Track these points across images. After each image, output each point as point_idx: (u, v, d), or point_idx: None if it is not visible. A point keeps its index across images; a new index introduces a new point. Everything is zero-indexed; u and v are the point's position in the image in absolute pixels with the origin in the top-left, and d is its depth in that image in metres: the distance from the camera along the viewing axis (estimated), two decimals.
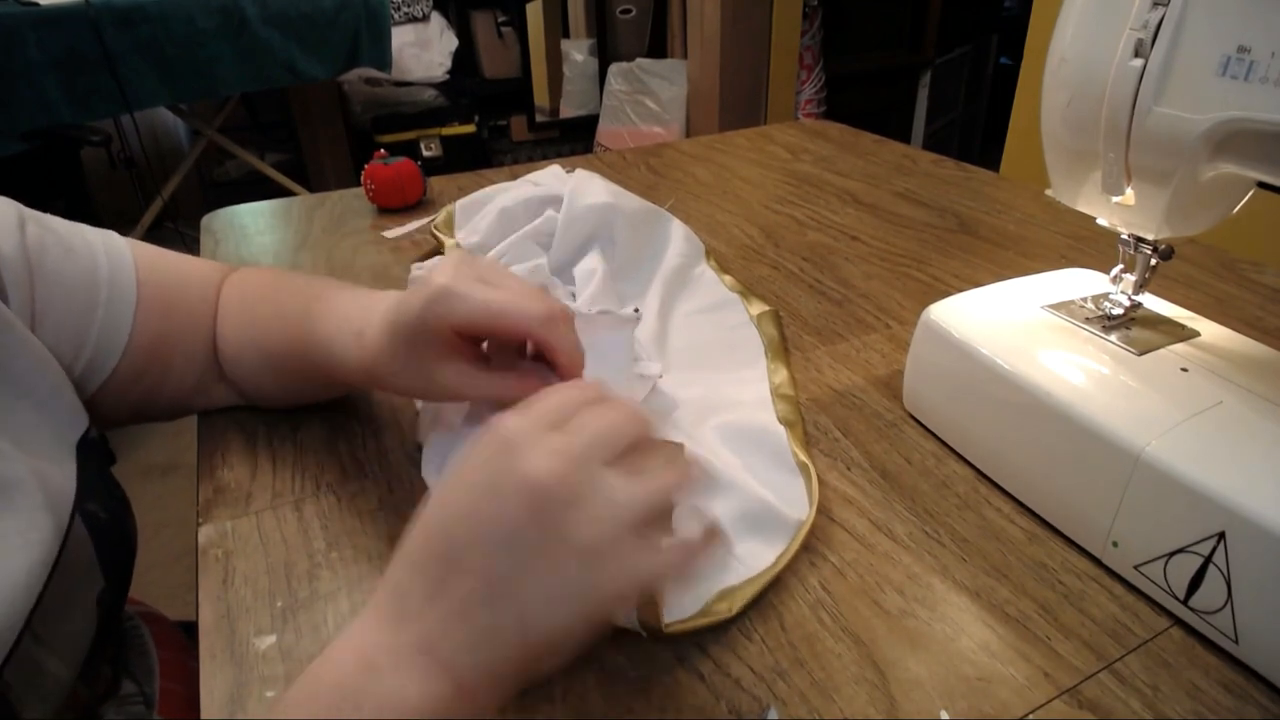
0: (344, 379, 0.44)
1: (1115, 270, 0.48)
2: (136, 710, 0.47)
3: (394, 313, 0.38)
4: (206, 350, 0.50)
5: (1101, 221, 0.46)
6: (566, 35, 2.93)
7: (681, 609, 0.37)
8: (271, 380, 0.50)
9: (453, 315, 0.35)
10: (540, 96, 2.99)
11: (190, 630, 0.54)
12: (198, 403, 0.53)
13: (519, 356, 0.39)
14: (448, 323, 0.36)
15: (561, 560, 0.27)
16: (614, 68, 2.78)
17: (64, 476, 0.40)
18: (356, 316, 0.42)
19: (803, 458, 0.46)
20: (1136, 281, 0.47)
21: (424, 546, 0.29)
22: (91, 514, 0.41)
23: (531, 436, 0.28)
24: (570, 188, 0.68)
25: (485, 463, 0.29)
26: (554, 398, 0.31)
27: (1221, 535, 0.34)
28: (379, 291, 0.44)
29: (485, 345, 0.39)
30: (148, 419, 0.52)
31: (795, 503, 0.43)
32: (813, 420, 0.52)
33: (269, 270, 0.52)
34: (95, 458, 0.43)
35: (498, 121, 3.05)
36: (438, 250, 0.71)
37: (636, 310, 0.48)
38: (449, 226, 0.73)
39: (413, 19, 2.80)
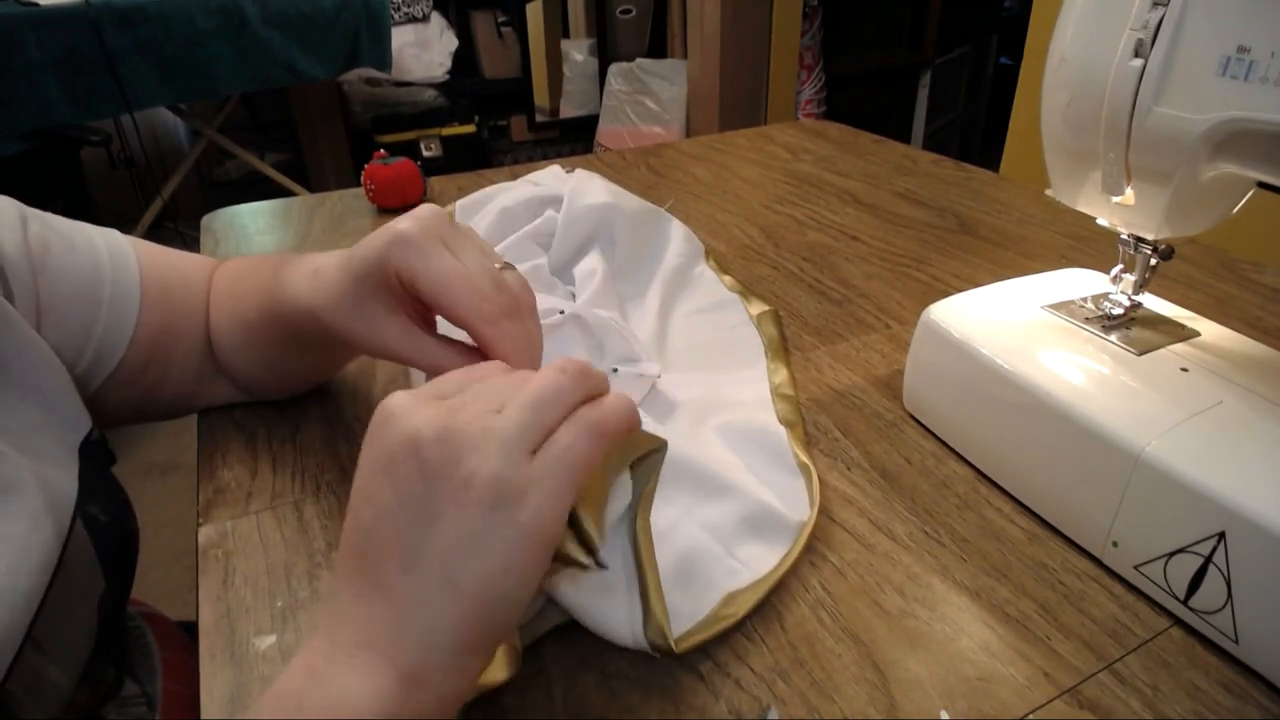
0: (298, 324, 0.42)
1: (1115, 270, 0.48)
2: (139, 711, 0.46)
3: (353, 250, 0.37)
4: (205, 343, 0.51)
5: (1101, 221, 0.46)
6: (566, 35, 2.93)
7: (687, 615, 0.36)
8: (257, 358, 0.49)
9: (404, 268, 0.34)
10: (540, 96, 2.99)
11: (191, 630, 0.54)
12: (199, 399, 0.52)
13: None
14: (399, 273, 0.35)
15: (465, 504, 0.26)
16: (614, 68, 2.78)
17: (66, 479, 0.40)
18: (317, 259, 0.41)
19: (803, 458, 0.46)
20: (1136, 281, 0.47)
21: (343, 547, 0.28)
22: (92, 517, 0.41)
23: (410, 404, 0.28)
24: (570, 188, 0.68)
25: (370, 441, 0.28)
26: (455, 374, 0.30)
27: (1221, 535, 0.34)
28: None
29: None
30: (150, 417, 0.52)
31: (796, 504, 0.43)
32: (813, 420, 0.52)
33: (249, 259, 0.53)
34: (96, 459, 0.43)
35: (498, 122, 3.05)
36: None
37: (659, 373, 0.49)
38: None
39: (413, 19, 2.80)
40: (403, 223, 0.35)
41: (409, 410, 0.27)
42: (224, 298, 0.50)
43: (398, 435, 0.27)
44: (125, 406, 0.49)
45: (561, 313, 0.49)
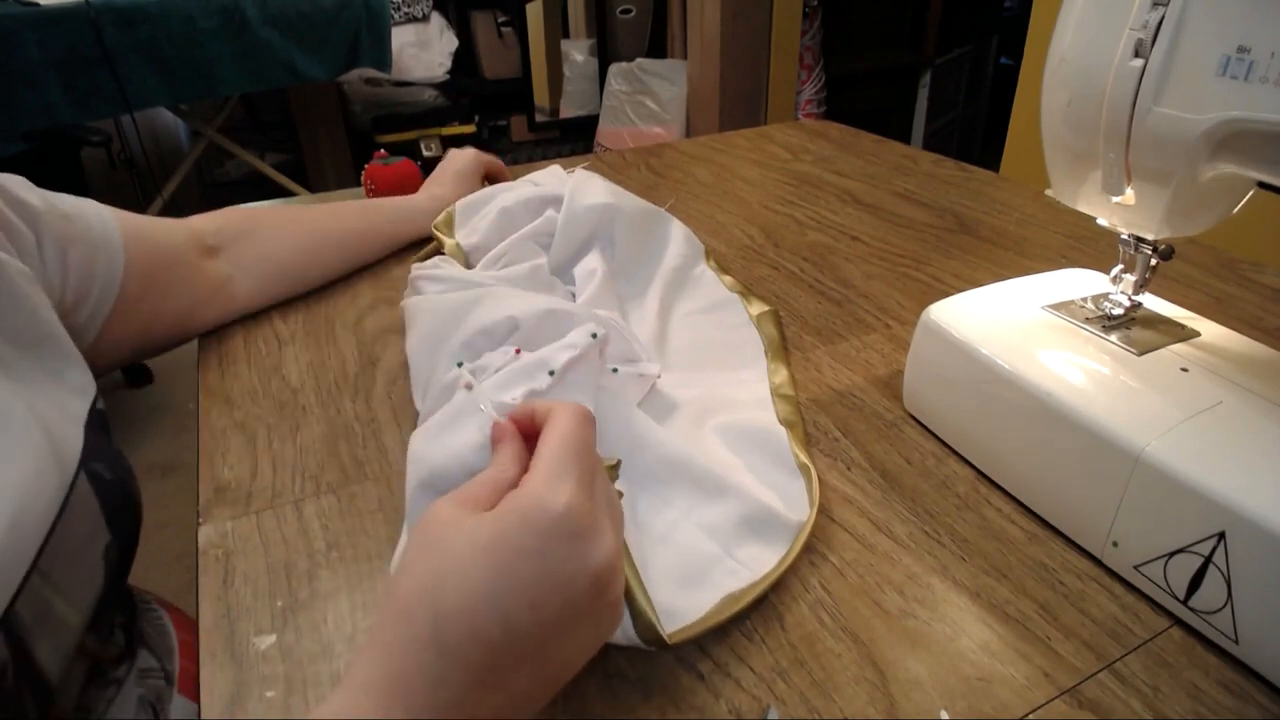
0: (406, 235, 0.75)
1: (1115, 270, 0.48)
2: (158, 684, 0.48)
3: (450, 179, 0.61)
4: (197, 263, 0.60)
5: (1101, 221, 0.46)
6: (566, 35, 2.93)
7: (686, 615, 0.36)
8: (297, 272, 0.67)
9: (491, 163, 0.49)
10: (540, 97, 2.99)
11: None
12: (195, 320, 0.61)
13: None
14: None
15: (598, 615, 0.29)
16: (614, 68, 2.78)
17: (73, 436, 0.43)
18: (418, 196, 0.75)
19: (803, 459, 0.46)
20: (1136, 281, 0.47)
21: (461, 630, 0.26)
22: (97, 473, 0.43)
23: (597, 527, 0.29)
24: (570, 188, 0.68)
25: (546, 550, 0.27)
26: (566, 454, 0.30)
27: (1221, 535, 0.34)
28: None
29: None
30: (153, 347, 0.59)
31: (796, 504, 0.43)
32: (813, 420, 0.52)
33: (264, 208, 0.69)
34: (101, 430, 0.46)
35: (498, 122, 3.05)
36: (438, 250, 0.71)
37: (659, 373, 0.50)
38: (449, 226, 0.73)
39: (413, 19, 2.80)
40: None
41: (603, 542, 0.28)
42: (278, 222, 0.66)
43: (589, 565, 0.28)
44: (128, 340, 0.56)
45: (616, 369, 0.49)
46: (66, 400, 0.44)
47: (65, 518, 0.39)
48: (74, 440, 0.43)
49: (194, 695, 0.49)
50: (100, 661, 0.44)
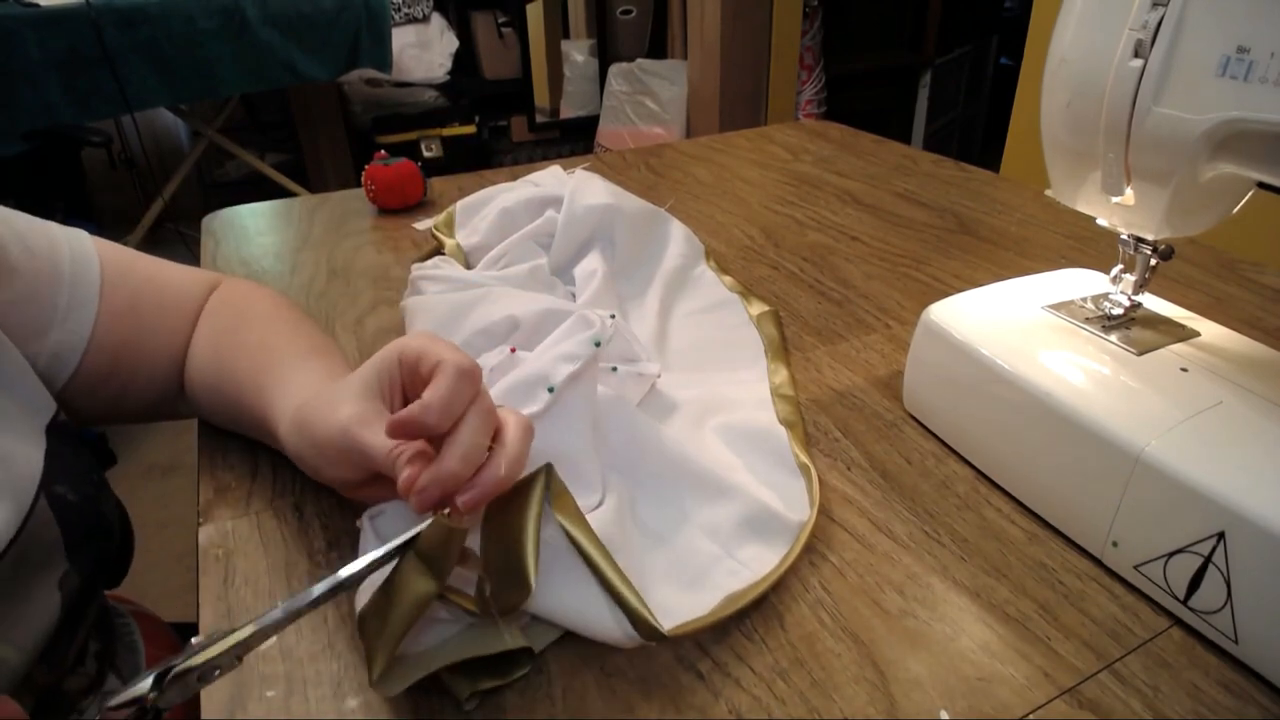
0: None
1: (1115, 270, 0.48)
2: None
3: (342, 418, 0.36)
4: (175, 362, 0.50)
5: (1101, 221, 0.46)
6: (567, 36, 2.93)
7: (687, 615, 0.36)
8: (229, 422, 0.50)
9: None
10: (540, 97, 2.99)
11: (191, 631, 0.55)
12: (165, 411, 0.52)
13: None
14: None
15: None
16: (614, 68, 2.78)
17: (29, 457, 0.40)
18: (307, 407, 0.39)
19: (803, 459, 0.46)
20: (1136, 281, 0.47)
21: None
22: (59, 496, 0.41)
23: None
24: (570, 188, 0.68)
25: None
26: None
27: (1221, 535, 0.34)
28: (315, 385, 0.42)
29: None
30: (121, 420, 0.52)
31: (796, 504, 0.43)
32: (813, 420, 0.52)
33: (245, 299, 0.53)
34: (70, 442, 0.43)
35: (498, 122, 3.05)
36: (438, 250, 0.71)
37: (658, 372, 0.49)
38: (449, 227, 0.73)
39: (413, 20, 2.80)
40: (344, 409, 0.36)
41: None
42: (207, 348, 0.50)
43: None
44: (94, 409, 0.49)
45: (615, 368, 0.48)
46: (18, 420, 0.41)
47: (14, 550, 0.36)
48: (31, 463, 0.40)
49: None
50: (59, 691, 0.42)
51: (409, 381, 0.37)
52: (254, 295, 0.53)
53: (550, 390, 0.40)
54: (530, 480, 0.36)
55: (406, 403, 0.35)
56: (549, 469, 0.37)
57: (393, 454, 0.33)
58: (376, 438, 0.34)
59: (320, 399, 0.38)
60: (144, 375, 0.49)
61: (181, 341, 0.50)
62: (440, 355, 0.34)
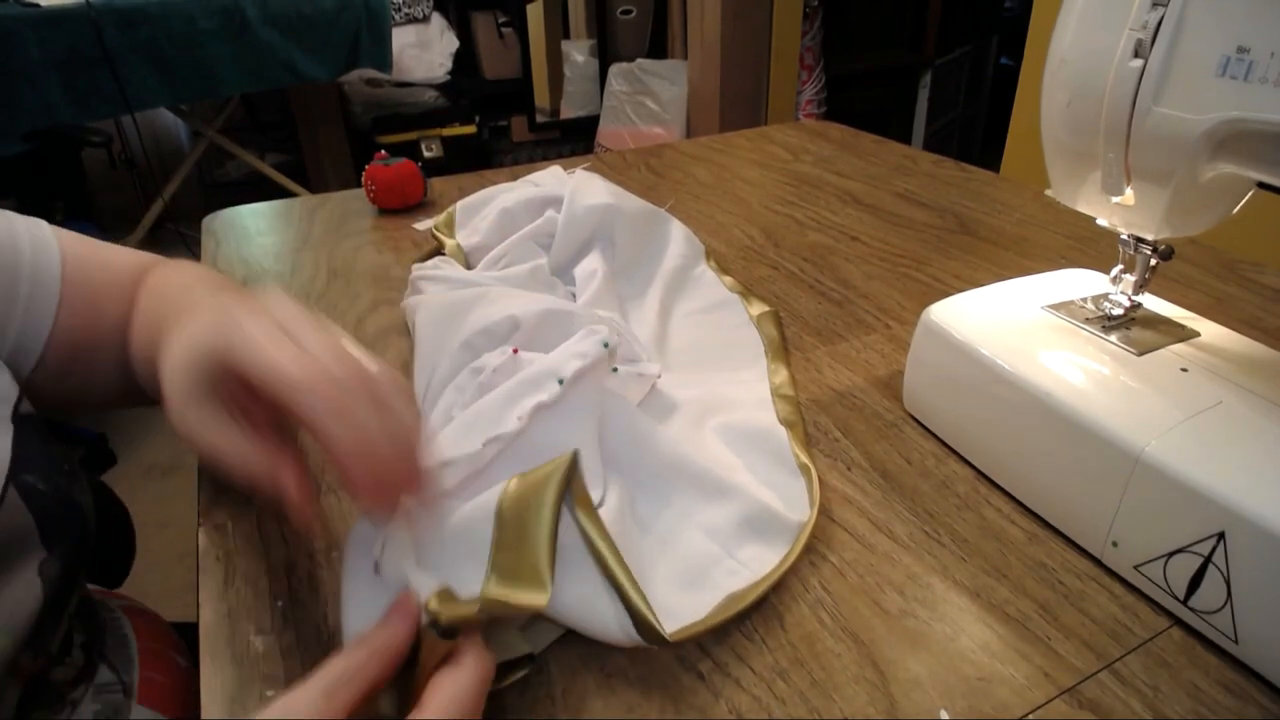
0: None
1: (1115, 270, 0.48)
2: (115, 699, 0.47)
3: (191, 347, 0.33)
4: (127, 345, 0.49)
5: (1101, 221, 0.46)
6: (567, 36, 2.94)
7: (688, 616, 0.36)
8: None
9: (234, 359, 0.31)
10: (541, 97, 2.99)
11: (193, 631, 0.54)
12: (134, 397, 0.51)
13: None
14: (233, 368, 0.31)
15: None
16: (614, 68, 2.78)
17: None
18: (180, 333, 0.35)
19: (804, 459, 0.46)
20: (1136, 281, 0.47)
21: None
22: (29, 485, 0.40)
23: None
24: (570, 188, 0.68)
25: None
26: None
27: (1221, 535, 0.34)
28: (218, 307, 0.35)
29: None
30: (91, 408, 0.52)
31: (796, 504, 0.43)
32: (813, 420, 0.52)
33: (177, 272, 0.50)
34: (38, 430, 0.43)
35: (498, 122, 3.05)
36: (439, 250, 0.71)
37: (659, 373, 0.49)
38: (450, 227, 0.73)
39: (413, 20, 2.80)
40: (239, 316, 0.32)
41: None
42: (142, 322, 0.47)
43: None
44: (58, 399, 0.48)
45: (616, 369, 0.47)
46: None
47: None
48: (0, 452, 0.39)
49: (158, 703, 0.48)
50: (46, 681, 0.42)
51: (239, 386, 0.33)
52: (183, 266, 0.52)
53: (560, 382, 0.40)
54: (549, 474, 0.35)
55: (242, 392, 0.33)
56: (575, 458, 0.36)
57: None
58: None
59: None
60: (110, 360, 0.49)
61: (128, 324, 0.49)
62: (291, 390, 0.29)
